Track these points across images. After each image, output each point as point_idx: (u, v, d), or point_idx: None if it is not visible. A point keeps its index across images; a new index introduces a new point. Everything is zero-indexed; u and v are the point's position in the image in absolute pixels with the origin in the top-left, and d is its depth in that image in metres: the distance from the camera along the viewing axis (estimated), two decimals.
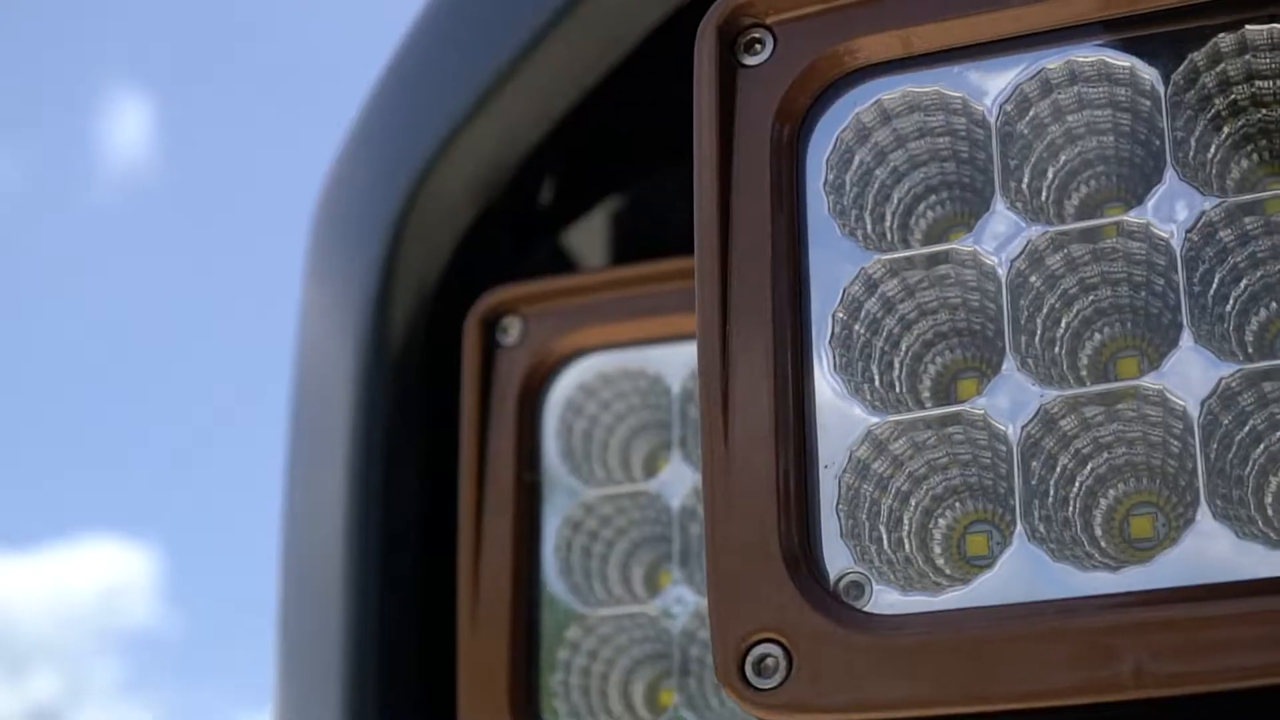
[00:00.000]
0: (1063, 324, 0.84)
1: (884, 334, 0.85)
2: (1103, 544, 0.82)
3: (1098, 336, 0.85)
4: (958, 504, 0.84)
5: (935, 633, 0.77)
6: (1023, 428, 0.80)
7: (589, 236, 1.31)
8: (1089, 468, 0.82)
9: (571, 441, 1.15)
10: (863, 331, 0.84)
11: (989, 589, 0.78)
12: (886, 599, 0.79)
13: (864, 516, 0.82)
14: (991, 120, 0.84)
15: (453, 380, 1.17)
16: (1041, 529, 0.79)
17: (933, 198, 0.88)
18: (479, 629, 1.12)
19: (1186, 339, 0.79)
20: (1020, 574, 0.78)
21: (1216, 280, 0.81)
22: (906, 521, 0.84)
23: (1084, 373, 0.85)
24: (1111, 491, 0.83)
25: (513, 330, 1.16)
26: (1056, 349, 0.84)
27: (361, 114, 1.24)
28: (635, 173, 1.27)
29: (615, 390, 1.16)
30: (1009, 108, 0.84)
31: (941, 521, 0.85)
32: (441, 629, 1.15)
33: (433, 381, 1.20)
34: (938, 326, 0.86)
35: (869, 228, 0.86)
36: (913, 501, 0.84)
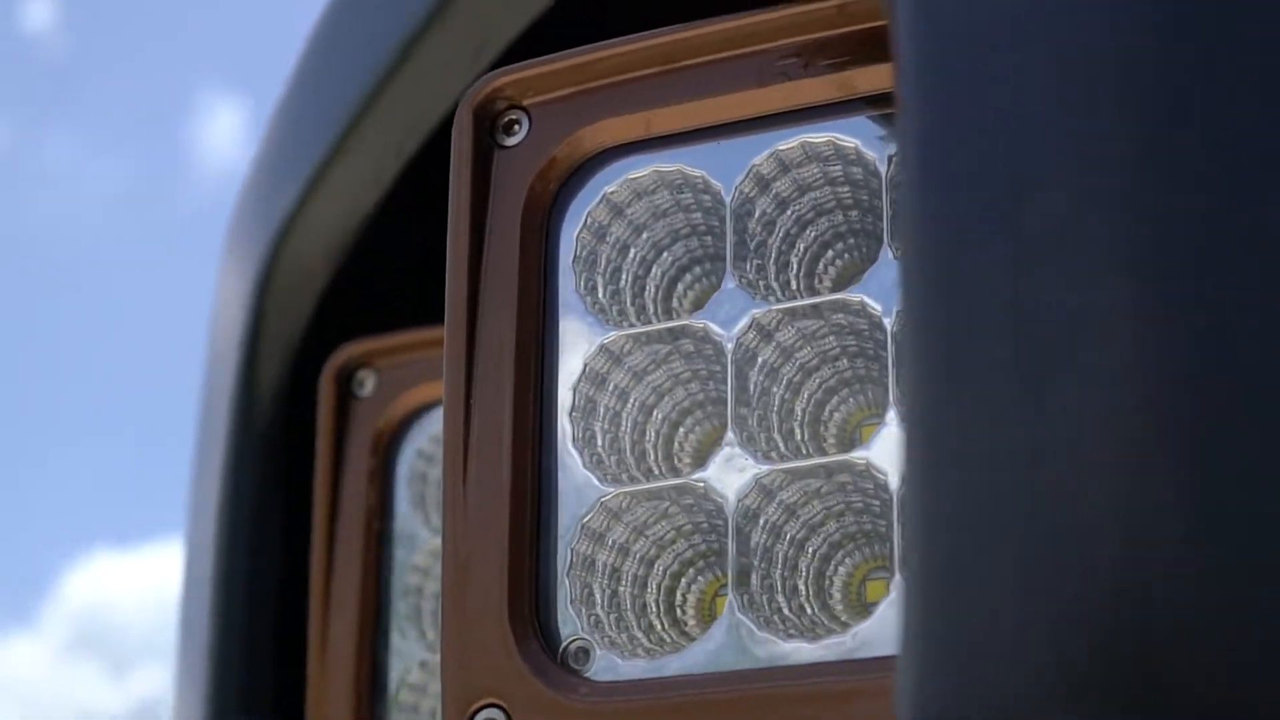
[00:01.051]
0: (804, 395, 0.87)
1: (635, 405, 0.88)
2: (836, 610, 0.85)
3: (844, 406, 0.88)
4: (707, 570, 0.88)
5: (641, 699, 0.80)
6: (739, 500, 0.83)
7: None
8: (821, 535, 0.85)
9: (424, 490, 1.19)
10: (612, 404, 0.88)
11: (698, 657, 0.81)
12: (608, 665, 0.83)
13: (601, 583, 0.85)
14: (727, 199, 0.87)
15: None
16: (758, 598, 0.82)
17: (698, 269, 0.91)
18: (327, 673, 1.16)
19: (893, 414, 0.81)
20: (728, 643, 0.81)
21: None
22: (653, 586, 0.87)
23: (830, 441, 0.87)
24: (849, 559, 0.86)
25: (367, 383, 1.20)
26: (796, 419, 0.87)
27: (243, 184, 1.30)
28: None
29: None
30: (745, 187, 0.87)
31: (695, 586, 0.88)
32: (300, 672, 1.19)
33: (300, 433, 1.24)
34: (692, 396, 0.89)
35: (626, 301, 0.89)
36: (659, 567, 0.87)
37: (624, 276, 0.90)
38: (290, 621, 1.21)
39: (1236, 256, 0.53)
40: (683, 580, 0.87)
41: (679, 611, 0.87)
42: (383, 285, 1.22)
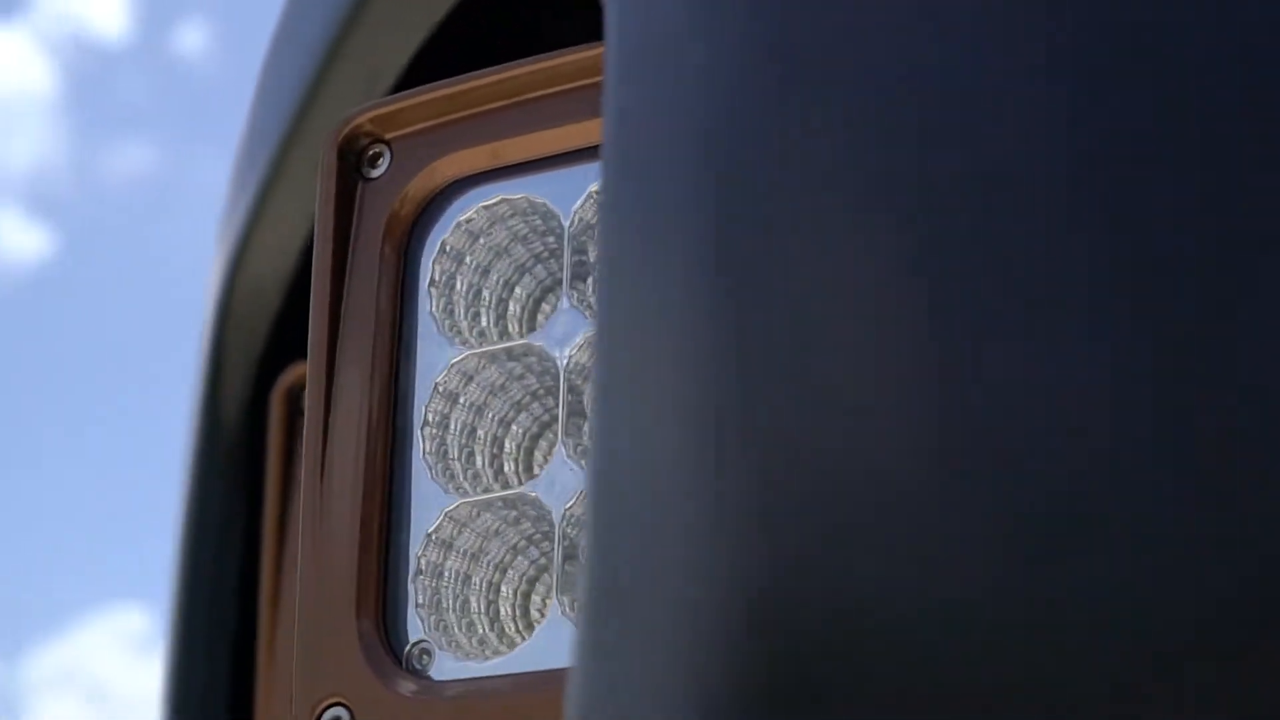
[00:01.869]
0: None
1: (492, 419, 0.93)
2: None
3: None
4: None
5: (472, 698, 0.85)
6: (565, 509, 0.88)
7: None
8: None
9: None
10: (468, 419, 0.93)
11: (527, 658, 0.86)
12: (447, 665, 0.88)
13: (451, 588, 0.90)
14: (565, 224, 0.92)
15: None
16: None
17: (555, 294, 0.96)
18: (275, 678, 1.22)
19: None
20: (551, 644, 0.86)
21: None
22: (508, 591, 0.92)
23: None
24: None
25: None
26: None
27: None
28: None
29: None
30: (584, 212, 0.91)
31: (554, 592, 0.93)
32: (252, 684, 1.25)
33: (263, 449, 1.30)
34: (550, 410, 0.94)
35: (489, 323, 0.94)
36: (512, 573, 0.92)
37: (485, 299, 0.95)
38: (251, 627, 1.27)
39: (827, 296, 0.57)
40: (539, 585, 0.92)
41: (535, 614, 0.92)
42: None
